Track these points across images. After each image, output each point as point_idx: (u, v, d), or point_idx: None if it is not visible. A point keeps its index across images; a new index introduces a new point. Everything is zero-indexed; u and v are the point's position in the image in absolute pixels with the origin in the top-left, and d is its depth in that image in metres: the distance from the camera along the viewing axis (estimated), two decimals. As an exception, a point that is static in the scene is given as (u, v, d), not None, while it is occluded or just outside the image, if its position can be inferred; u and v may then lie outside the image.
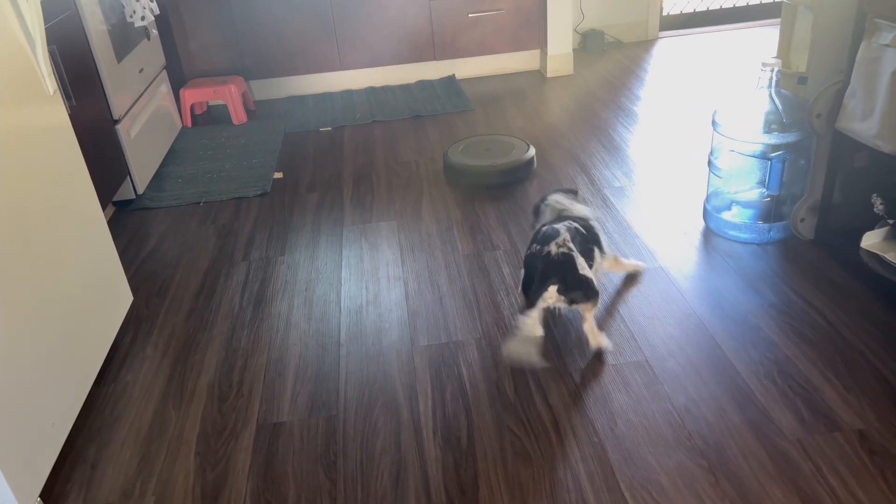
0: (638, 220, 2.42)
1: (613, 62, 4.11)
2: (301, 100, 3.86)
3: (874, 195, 1.95)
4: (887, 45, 1.73)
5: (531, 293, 1.74)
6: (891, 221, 1.91)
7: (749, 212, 2.27)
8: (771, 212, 2.21)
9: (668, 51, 4.22)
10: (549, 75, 3.92)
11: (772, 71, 2.09)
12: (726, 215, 2.28)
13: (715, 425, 1.56)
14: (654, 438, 1.55)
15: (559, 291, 1.71)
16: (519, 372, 1.77)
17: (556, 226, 1.82)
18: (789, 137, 2.06)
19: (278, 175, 2.99)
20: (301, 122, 3.54)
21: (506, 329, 1.93)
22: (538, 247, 1.78)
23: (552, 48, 3.85)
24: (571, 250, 1.75)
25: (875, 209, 1.95)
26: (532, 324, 1.71)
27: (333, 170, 3.00)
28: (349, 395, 1.74)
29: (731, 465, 1.46)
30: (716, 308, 1.95)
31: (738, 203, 2.30)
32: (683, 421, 1.59)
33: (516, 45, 3.92)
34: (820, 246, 2.15)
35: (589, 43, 4.27)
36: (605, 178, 2.74)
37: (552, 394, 1.69)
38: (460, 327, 1.95)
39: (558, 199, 2.01)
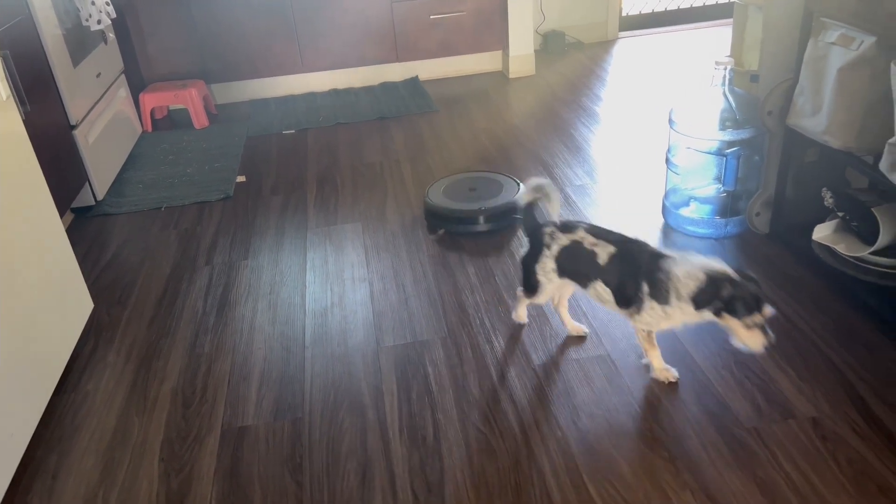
0: (599, 217, 2.46)
1: (574, 62, 4.16)
2: (263, 103, 3.84)
3: (824, 189, 2.01)
4: (833, 44, 1.79)
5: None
6: (840, 214, 1.97)
7: (706, 207, 2.32)
8: (727, 207, 2.26)
9: (628, 51, 4.28)
10: (511, 76, 3.95)
11: (725, 69, 2.14)
12: (684, 211, 2.33)
13: (675, 416, 1.60)
14: (616, 431, 1.58)
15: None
16: (484, 369, 1.79)
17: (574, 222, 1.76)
18: (743, 134, 2.11)
19: (241, 179, 2.97)
20: (264, 126, 3.52)
21: (471, 328, 1.95)
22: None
23: (514, 49, 3.89)
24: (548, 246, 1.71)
25: (825, 203, 2.01)
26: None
27: (297, 172, 2.99)
28: (315, 397, 1.74)
29: (691, 454, 1.50)
30: (675, 302, 1.99)
31: (695, 199, 2.35)
32: (644, 413, 1.62)
33: (478, 47, 3.95)
34: (775, 239, 2.21)
35: (550, 44, 4.32)
36: (567, 177, 2.78)
37: (516, 390, 1.71)
38: (426, 327, 1.96)
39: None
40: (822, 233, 1.97)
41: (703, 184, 2.35)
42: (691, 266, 1.51)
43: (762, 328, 1.47)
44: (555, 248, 1.71)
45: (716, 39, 4.31)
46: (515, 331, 1.92)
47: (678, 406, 1.63)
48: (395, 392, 1.74)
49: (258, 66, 3.79)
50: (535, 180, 1.76)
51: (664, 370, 1.70)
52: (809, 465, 1.44)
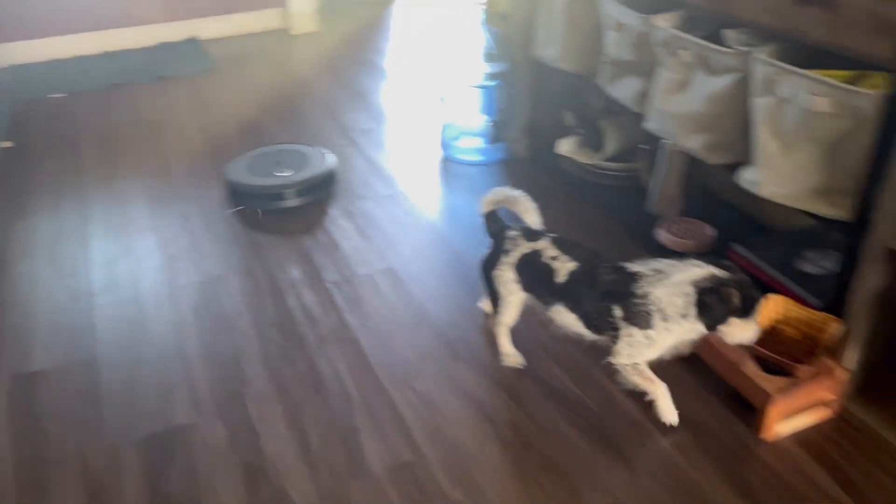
0: (384, 155, 2.63)
1: (357, 19, 4.28)
2: (28, 68, 3.55)
3: (565, 111, 2.33)
4: (558, -19, 2.08)
5: None
6: (580, 132, 2.30)
7: (476, 138, 2.57)
8: (493, 136, 2.53)
9: (407, 7, 4.48)
10: (294, 33, 3.99)
11: (482, 10, 2.38)
12: (458, 143, 2.57)
13: (453, 310, 1.82)
14: (402, 327, 1.76)
15: None
16: (279, 293, 1.89)
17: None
18: (499, 68, 2.37)
19: (6, 144, 2.77)
20: (30, 91, 3.27)
21: (265, 259, 2.03)
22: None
23: (294, 5, 3.93)
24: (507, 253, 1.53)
25: (567, 122, 2.33)
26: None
27: (72, 135, 2.84)
28: (108, 338, 1.75)
29: (467, 339, 1.72)
30: (451, 219, 2.22)
31: (467, 132, 2.60)
32: (426, 310, 1.82)
33: (257, 3, 3.93)
34: (534, 161, 2.52)
35: (334, 1, 4.40)
36: (352, 123, 2.91)
37: (311, 306, 1.84)
38: (219, 265, 2.02)
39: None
40: (564, 147, 2.29)
41: (472, 116, 2.59)
42: (669, 281, 1.31)
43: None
44: (514, 256, 1.49)
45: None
46: (308, 257, 2.04)
47: (454, 302, 1.85)
48: (191, 323, 1.79)
49: (18, 27, 3.49)
50: (500, 191, 1.56)
51: (669, 411, 1.44)
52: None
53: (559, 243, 1.47)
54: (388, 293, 1.89)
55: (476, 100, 2.54)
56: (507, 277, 1.51)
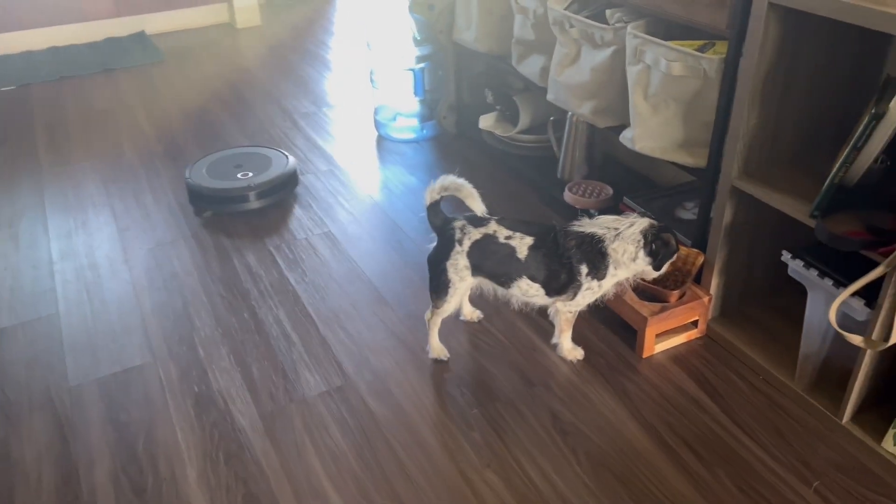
0: (323, 136, 2.84)
1: (299, 14, 4.46)
2: (-26, 63, 3.66)
3: (486, 89, 2.57)
4: (472, -29, 2.31)
5: None
6: (498, 108, 2.54)
7: (407, 117, 2.79)
8: (423, 114, 2.75)
9: (348, 2, 4.68)
10: (239, 27, 4.16)
11: None
12: (391, 123, 2.79)
13: (384, 265, 2.04)
14: (337, 280, 1.98)
15: None
16: (226, 257, 2.08)
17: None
18: (423, 51, 2.59)
19: (-40, 134, 2.89)
20: (-22, 84, 3.38)
21: (211, 227, 2.22)
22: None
23: (238, 0, 4.09)
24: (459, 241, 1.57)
25: (488, 100, 2.56)
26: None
27: (24, 123, 2.98)
28: (68, 296, 1.92)
29: (394, 288, 1.94)
30: (384, 189, 2.44)
31: (398, 112, 2.81)
32: (359, 266, 2.03)
33: (203, -1, 4.09)
34: (461, 137, 2.75)
35: (275, -3, 4.57)
36: (294, 107, 3.11)
37: (253, 263, 2.04)
38: (169, 232, 2.20)
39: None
40: (485, 122, 2.52)
41: (402, 97, 2.81)
42: (622, 235, 1.52)
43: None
44: (466, 244, 1.55)
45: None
46: (251, 224, 2.23)
47: (386, 260, 2.06)
48: (143, 282, 1.97)
49: (-38, 24, 3.59)
50: (444, 179, 1.58)
51: (573, 350, 1.69)
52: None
53: (507, 223, 1.56)
54: (325, 253, 2.10)
55: (407, 82, 2.76)
56: (461, 265, 1.56)
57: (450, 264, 1.56)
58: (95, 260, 2.08)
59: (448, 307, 1.62)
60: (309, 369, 1.67)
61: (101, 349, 1.74)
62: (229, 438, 1.50)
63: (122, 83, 3.40)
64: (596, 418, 1.53)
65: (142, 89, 3.32)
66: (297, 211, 2.31)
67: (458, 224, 1.57)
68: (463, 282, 1.59)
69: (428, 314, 1.67)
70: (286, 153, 2.46)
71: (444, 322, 1.68)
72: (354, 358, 1.70)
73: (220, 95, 3.24)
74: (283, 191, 2.34)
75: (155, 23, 4.09)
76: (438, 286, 1.59)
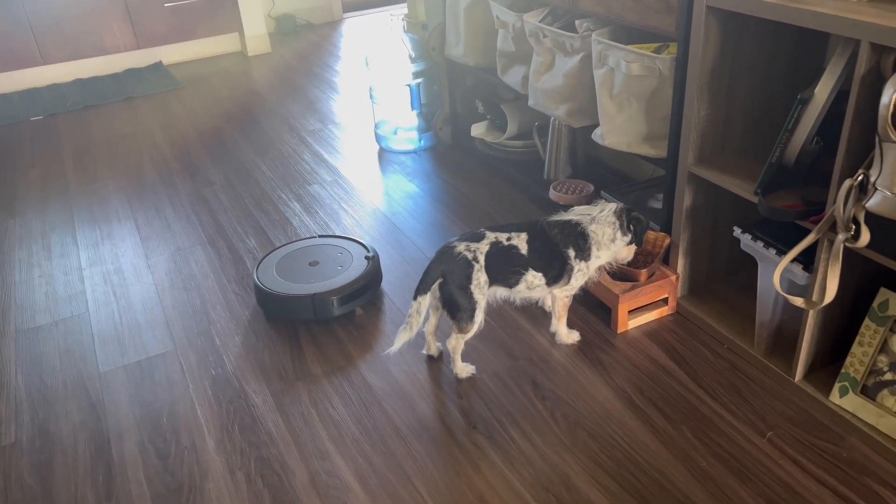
0: (328, 150, 3.04)
1: (307, 41, 4.71)
2: (5, 98, 3.92)
3: (477, 100, 2.76)
4: (458, -9, 2.51)
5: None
6: (489, 117, 2.73)
7: (406, 129, 2.98)
8: (420, 127, 2.95)
9: (353, 28, 4.93)
10: (250, 54, 4.41)
11: (402, 20, 2.81)
12: (392, 136, 2.98)
13: (385, 262, 2.21)
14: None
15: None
16: (238, 258, 2.28)
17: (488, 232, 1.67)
18: (418, 67, 2.79)
19: (-6, 160, 3.13)
20: (9, 116, 3.64)
21: (226, 235, 2.42)
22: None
23: (248, 30, 4.34)
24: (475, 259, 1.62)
25: (479, 110, 2.75)
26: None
27: (53, 149, 3.21)
28: (98, 297, 2.12)
29: (390, 280, 2.12)
30: (386, 195, 2.62)
31: (399, 126, 3.01)
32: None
33: (215, 30, 4.35)
34: (456, 146, 2.94)
35: (283, 25, 4.83)
36: (301, 125, 3.32)
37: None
38: (187, 239, 2.40)
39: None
40: (477, 130, 2.71)
41: (401, 111, 3.01)
42: (598, 218, 1.69)
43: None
44: (481, 259, 1.61)
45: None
46: (262, 230, 2.43)
47: (391, 259, 2.24)
48: (165, 283, 2.17)
49: (-7, 61, 3.86)
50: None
51: (569, 334, 1.82)
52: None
53: (497, 229, 1.67)
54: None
55: (404, 97, 2.96)
56: (482, 281, 1.61)
57: (474, 286, 1.60)
58: (120, 265, 2.28)
59: (474, 328, 1.65)
60: (314, 354, 1.85)
61: (127, 341, 1.93)
62: (243, 413, 1.68)
63: (142, 109, 3.64)
64: (572, 385, 1.69)
65: (160, 114, 3.56)
66: (305, 217, 2.50)
67: (459, 247, 1.61)
68: (484, 297, 1.63)
69: (452, 342, 1.68)
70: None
71: (432, 309, 1.84)
72: (356, 343, 1.88)
73: (233, 117, 3.46)
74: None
75: (171, 54, 4.35)
76: (467, 311, 1.61)
